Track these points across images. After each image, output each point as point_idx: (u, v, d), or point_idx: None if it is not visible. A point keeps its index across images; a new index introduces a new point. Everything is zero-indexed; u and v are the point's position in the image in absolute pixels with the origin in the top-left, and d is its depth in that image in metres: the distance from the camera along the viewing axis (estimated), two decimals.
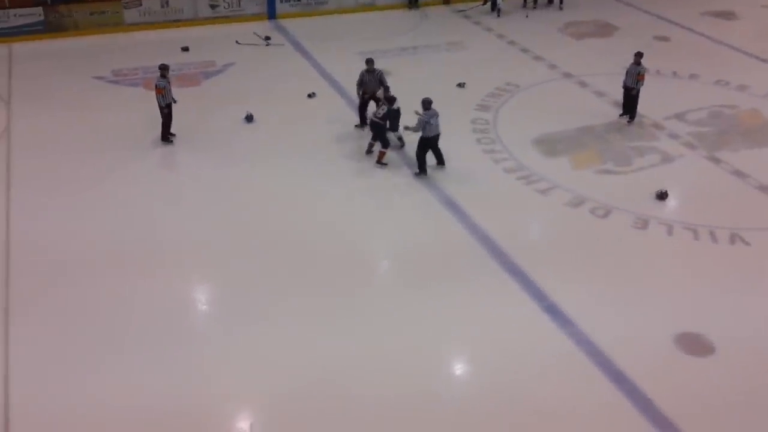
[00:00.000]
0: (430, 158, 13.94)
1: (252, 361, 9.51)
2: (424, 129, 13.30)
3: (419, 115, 13.44)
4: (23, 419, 8.59)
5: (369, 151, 14.45)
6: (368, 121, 14.56)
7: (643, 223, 12.57)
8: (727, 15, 24.65)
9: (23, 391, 8.95)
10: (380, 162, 14.18)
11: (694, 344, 9.92)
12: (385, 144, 14.11)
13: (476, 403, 9.03)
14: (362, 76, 15.03)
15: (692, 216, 12.86)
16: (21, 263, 11.21)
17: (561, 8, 24.51)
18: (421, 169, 13.71)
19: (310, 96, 17.16)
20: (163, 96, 14.24)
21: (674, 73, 19.16)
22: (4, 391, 8.92)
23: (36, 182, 13.41)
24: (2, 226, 12.09)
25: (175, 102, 14.57)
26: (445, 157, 14.16)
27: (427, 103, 13.35)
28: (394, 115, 14.05)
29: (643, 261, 11.68)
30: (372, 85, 15.01)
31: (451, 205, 12.93)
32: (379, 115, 13.93)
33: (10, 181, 13.39)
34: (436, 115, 13.36)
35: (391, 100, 14.13)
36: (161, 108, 14.38)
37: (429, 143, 13.55)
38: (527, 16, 23.90)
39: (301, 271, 11.19)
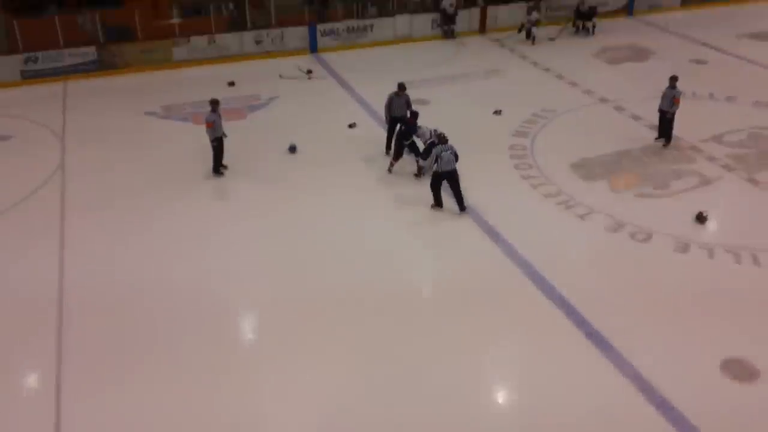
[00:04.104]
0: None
1: (298, 387, 9.76)
2: (437, 163, 13.44)
3: (424, 141, 14.33)
4: None
5: (417, 174, 14.99)
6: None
7: (684, 247, 12.68)
8: (764, 37, 24.77)
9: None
10: (389, 170, 15.17)
11: (740, 369, 9.85)
12: (396, 156, 15.06)
13: (516, 430, 9.17)
14: (390, 98, 15.69)
15: (733, 239, 12.93)
16: (73, 296, 11.52)
17: (593, 34, 24.90)
18: (437, 202, 13.84)
19: (351, 126, 17.66)
20: (212, 130, 14.78)
21: (711, 95, 19.30)
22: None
23: (89, 213, 13.87)
24: (55, 257, 12.49)
25: (225, 136, 15.11)
26: (482, 182, 14.54)
27: (441, 138, 13.53)
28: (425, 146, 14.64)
29: (686, 285, 11.74)
30: (399, 109, 15.60)
31: (491, 231, 13.18)
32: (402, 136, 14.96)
33: (63, 213, 13.88)
34: (448, 150, 13.37)
35: (414, 114, 14.97)
36: (211, 141, 14.94)
37: (441, 178, 13.55)
38: (553, 39, 24.35)
39: (344, 298, 11.48)
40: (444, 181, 13.60)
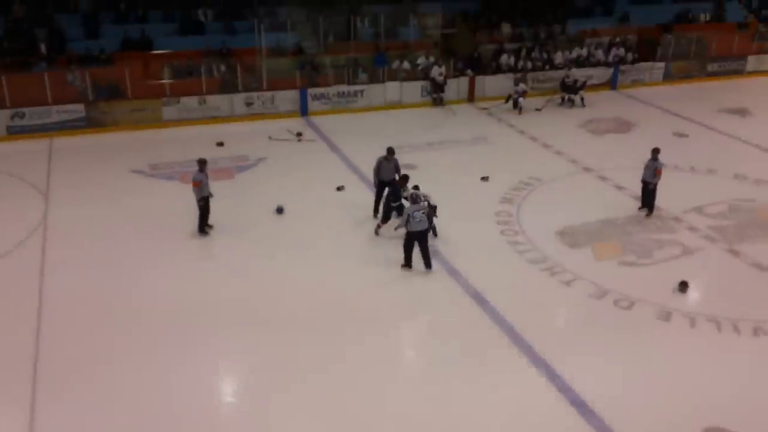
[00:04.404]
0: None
1: None
2: (408, 223, 13.58)
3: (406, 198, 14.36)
4: None
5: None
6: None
7: (666, 315, 12.72)
8: (742, 112, 25.49)
9: None
10: (376, 232, 15.20)
11: None
12: (384, 219, 15.17)
13: None
14: (379, 162, 15.83)
15: (715, 308, 12.98)
16: (50, 352, 11.30)
17: (583, 106, 25.52)
18: (406, 262, 13.93)
19: (339, 189, 17.77)
20: (199, 189, 14.81)
21: (692, 168, 19.66)
22: None
23: (70, 271, 13.69)
24: (33, 315, 12.27)
25: (211, 196, 15.13)
26: (469, 247, 14.61)
27: (414, 198, 13.80)
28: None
29: (668, 353, 11.76)
30: (388, 173, 15.76)
31: (476, 296, 13.16)
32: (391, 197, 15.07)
33: (43, 270, 13.67)
34: (420, 210, 13.58)
35: (405, 177, 15.08)
36: (197, 201, 14.95)
37: (413, 238, 13.71)
38: (539, 110, 24.91)
39: (328, 356, 11.39)
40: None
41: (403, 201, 14.99)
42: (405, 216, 13.66)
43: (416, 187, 14.92)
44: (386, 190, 15.60)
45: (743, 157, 20.95)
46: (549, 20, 29.94)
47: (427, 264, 13.89)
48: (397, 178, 15.57)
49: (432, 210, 14.54)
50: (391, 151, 15.89)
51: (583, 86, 25.90)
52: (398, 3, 27.63)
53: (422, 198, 14.46)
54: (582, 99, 25.69)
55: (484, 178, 18.54)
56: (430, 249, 14.02)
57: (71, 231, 15.35)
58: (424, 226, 13.64)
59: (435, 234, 14.98)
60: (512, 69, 27.02)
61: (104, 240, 14.99)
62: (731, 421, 10.12)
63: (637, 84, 28.88)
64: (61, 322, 12.15)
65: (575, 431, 9.96)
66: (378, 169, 15.87)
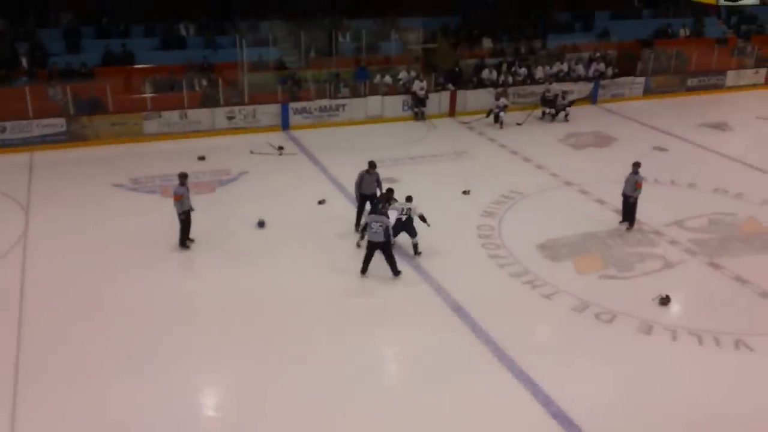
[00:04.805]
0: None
1: None
2: (365, 230, 13.74)
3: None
4: None
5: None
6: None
7: (647, 329, 12.74)
8: (722, 126, 25.77)
9: None
10: (357, 245, 15.12)
11: None
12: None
13: None
14: (361, 176, 15.83)
15: (696, 321, 13.04)
16: (30, 368, 11.19)
17: (566, 120, 25.65)
18: (363, 268, 14.09)
19: (320, 203, 17.74)
20: (180, 203, 14.75)
21: (673, 182, 19.80)
22: None
23: (50, 286, 13.59)
24: (13, 331, 12.14)
25: (193, 210, 15.05)
26: (450, 260, 14.67)
27: (374, 206, 13.91)
28: (409, 223, 14.71)
29: (650, 366, 11.77)
30: (369, 186, 15.74)
31: (458, 309, 13.14)
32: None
33: (23, 287, 13.53)
34: (378, 222, 13.65)
35: (390, 191, 14.93)
36: (178, 214, 14.88)
37: (372, 247, 13.89)
38: (520, 124, 25.02)
39: (306, 368, 11.36)
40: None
41: (391, 212, 14.92)
42: (363, 223, 13.72)
43: (409, 199, 14.91)
44: (367, 204, 15.58)
45: (723, 171, 21.13)
46: (530, 35, 30.18)
47: (394, 271, 14.04)
48: (378, 191, 15.56)
49: (421, 218, 14.72)
50: (372, 164, 15.90)
51: (571, 104, 26.08)
52: (380, 18, 27.73)
53: (403, 210, 14.52)
54: (566, 115, 25.84)
55: (466, 192, 18.58)
56: (416, 259, 14.17)
57: (52, 245, 15.23)
58: (380, 238, 13.70)
59: (417, 252, 14.97)
60: (493, 84, 27.17)
61: (85, 254, 14.88)
62: None
63: (617, 98, 29.11)
64: (42, 335, 12.06)
65: None
66: (360, 183, 15.86)
